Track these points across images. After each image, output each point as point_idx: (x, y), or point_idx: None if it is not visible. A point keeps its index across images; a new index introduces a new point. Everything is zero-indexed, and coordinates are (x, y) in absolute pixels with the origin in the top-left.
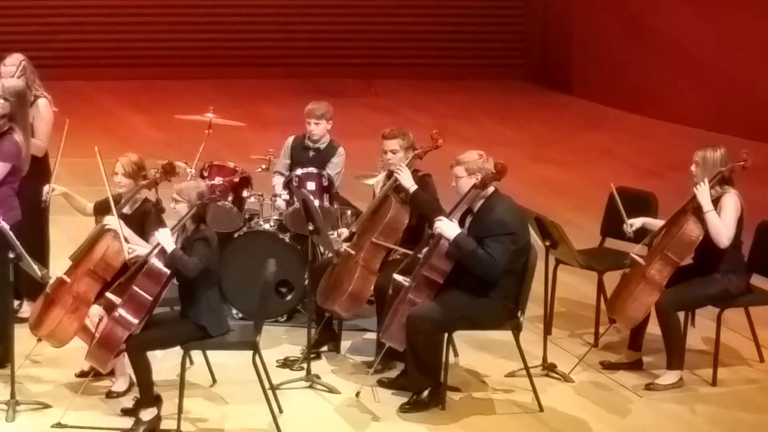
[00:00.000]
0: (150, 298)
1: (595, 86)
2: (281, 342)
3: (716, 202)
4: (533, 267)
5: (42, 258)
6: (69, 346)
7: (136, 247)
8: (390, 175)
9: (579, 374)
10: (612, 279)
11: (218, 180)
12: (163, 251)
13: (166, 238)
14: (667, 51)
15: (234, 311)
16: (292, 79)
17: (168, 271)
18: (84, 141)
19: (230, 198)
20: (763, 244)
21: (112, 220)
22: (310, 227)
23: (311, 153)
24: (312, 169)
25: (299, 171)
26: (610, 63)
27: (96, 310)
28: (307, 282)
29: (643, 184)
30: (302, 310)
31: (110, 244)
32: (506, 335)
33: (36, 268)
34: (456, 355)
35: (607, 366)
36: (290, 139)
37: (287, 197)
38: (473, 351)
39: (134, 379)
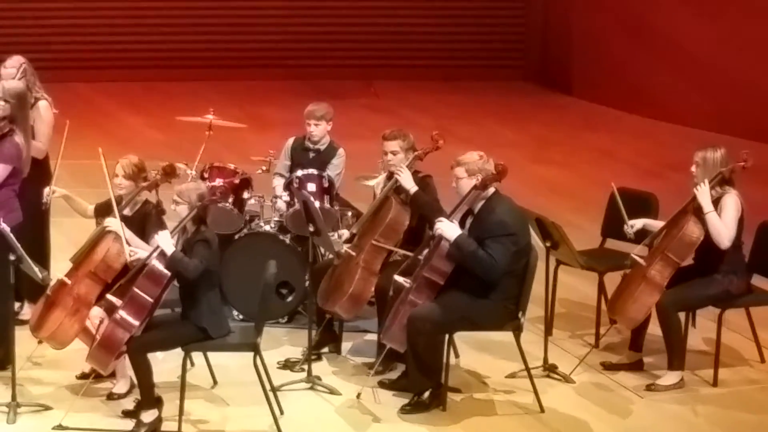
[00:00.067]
0: (151, 300)
1: (595, 87)
2: (282, 343)
3: (716, 202)
4: (534, 268)
5: (43, 260)
6: (70, 348)
7: (137, 250)
8: (390, 176)
9: (580, 375)
10: (613, 280)
11: (219, 181)
12: (163, 253)
13: (166, 240)
14: (667, 51)
15: (235, 313)
16: (293, 80)
17: (168, 273)
18: (84, 143)
19: (231, 199)
20: (763, 245)
21: (113, 222)
22: (311, 229)
23: (311, 154)
24: (312, 171)
25: (300, 172)
26: (610, 64)
27: (97, 312)
28: (307, 283)
29: (644, 184)
30: (303, 312)
31: (111, 246)
32: (507, 336)
33: (37, 270)
34: (457, 356)
35: (608, 367)
36: (290, 141)
37: (288, 199)
38: (474, 352)
39: (135, 381)
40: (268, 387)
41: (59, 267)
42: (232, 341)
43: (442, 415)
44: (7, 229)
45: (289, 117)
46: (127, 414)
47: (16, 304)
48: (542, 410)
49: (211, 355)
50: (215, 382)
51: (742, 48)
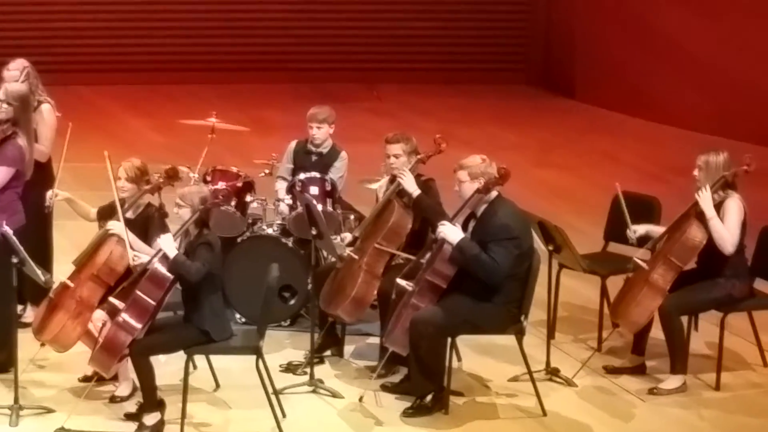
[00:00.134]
0: (153, 303)
1: (597, 90)
2: (284, 346)
3: (719, 206)
4: (536, 271)
5: (45, 263)
6: (72, 350)
7: (140, 254)
8: (393, 179)
9: (582, 379)
10: (615, 283)
11: (221, 185)
12: (166, 256)
13: (168, 243)
14: (670, 55)
15: (237, 316)
16: (295, 83)
17: (171, 276)
18: (87, 146)
19: (233, 203)
20: (766, 249)
21: (116, 225)
22: (313, 232)
23: (314, 157)
24: (315, 174)
25: (302, 175)
26: (612, 67)
27: (99, 315)
28: (310, 286)
29: (647, 188)
30: (305, 315)
31: (114, 249)
32: (509, 340)
33: (39, 273)
34: (459, 359)
35: (611, 370)
36: (293, 144)
37: (290, 202)
38: (476, 355)
39: (137, 384)
40: (270, 390)
41: (62, 270)
42: (234, 344)
43: (444, 419)
44: (9, 231)
45: (292, 120)
46: (129, 417)
47: (19, 307)
48: (544, 414)
49: (213, 358)
50: (218, 385)
51: (746, 52)
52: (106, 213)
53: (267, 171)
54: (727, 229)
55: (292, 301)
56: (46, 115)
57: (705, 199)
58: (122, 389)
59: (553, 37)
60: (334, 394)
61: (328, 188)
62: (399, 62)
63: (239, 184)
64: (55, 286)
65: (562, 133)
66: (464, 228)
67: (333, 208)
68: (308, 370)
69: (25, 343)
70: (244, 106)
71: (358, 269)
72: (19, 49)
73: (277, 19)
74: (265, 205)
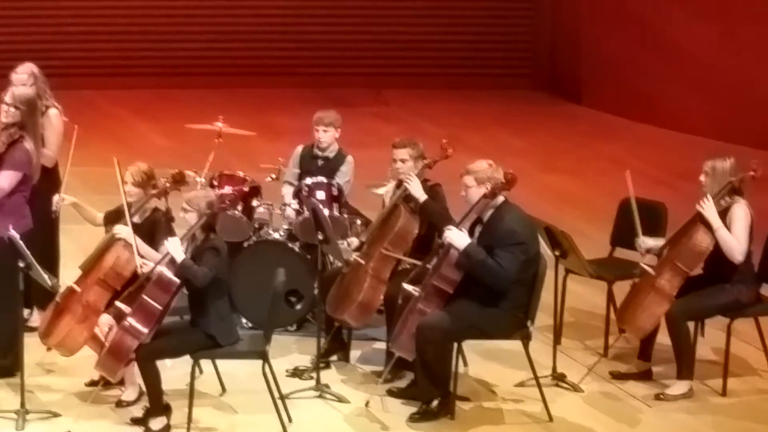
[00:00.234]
0: (160, 308)
1: (604, 96)
2: (291, 351)
3: (725, 212)
4: (543, 277)
5: (52, 267)
6: (79, 355)
7: (147, 262)
8: (400, 184)
9: (588, 384)
10: (622, 289)
11: (228, 189)
12: (172, 261)
13: (175, 247)
14: (677, 60)
15: (244, 320)
16: (302, 88)
17: (178, 281)
18: (93, 150)
19: (240, 207)
20: None
21: (123, 230)
22: (320, 236)
23: (320, 162)
24: (321, 179)
25: (308, 180)
26: (619, 72)
27: (106, 319)
28: (316, 291)
29: (653, 194)
30: (312, 320)
31: (120, 254)
32: (516, 345)
33: (46, 278)
34: (465, 364)
35: (617, 376)
36: (299, 149)
37: (297, 207)
38: (483, 361)
39: (144, 389)
40: (276, 395)
41: (68, 274)
42: (240, 349)
43: (450, 424)
44: (16, 236)
45: (299, 125)
46: (135, 421)
47: (26, 311)
48: (551, 419)
49: (219, 362)
50: (224, 390)
51: (750, 56)
52: (113, 217)
53: (273, 176)
54: (734, 236)
55: (299, 306)
56: (54, 120)
57: (709, 209)
58: (128, 394)
59: (559, 42)
60: (341, 399)
61: (335, 193)
62: (406, 67)
63: (246, 189)
64: (61, 290)
65: (569, 139)
66: (471, 233)
67: (339, 212)
68: (314, 374)
69: (32, 347)
70: (251, 110)
71: (364, 274)
72: (27, 53)
73: (284, 24)
74: (272, 210)
